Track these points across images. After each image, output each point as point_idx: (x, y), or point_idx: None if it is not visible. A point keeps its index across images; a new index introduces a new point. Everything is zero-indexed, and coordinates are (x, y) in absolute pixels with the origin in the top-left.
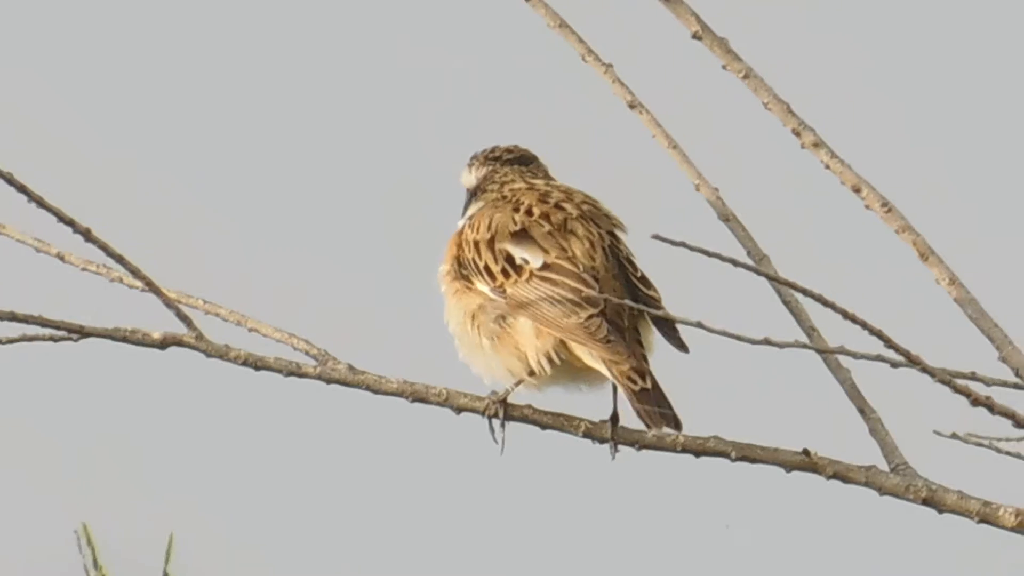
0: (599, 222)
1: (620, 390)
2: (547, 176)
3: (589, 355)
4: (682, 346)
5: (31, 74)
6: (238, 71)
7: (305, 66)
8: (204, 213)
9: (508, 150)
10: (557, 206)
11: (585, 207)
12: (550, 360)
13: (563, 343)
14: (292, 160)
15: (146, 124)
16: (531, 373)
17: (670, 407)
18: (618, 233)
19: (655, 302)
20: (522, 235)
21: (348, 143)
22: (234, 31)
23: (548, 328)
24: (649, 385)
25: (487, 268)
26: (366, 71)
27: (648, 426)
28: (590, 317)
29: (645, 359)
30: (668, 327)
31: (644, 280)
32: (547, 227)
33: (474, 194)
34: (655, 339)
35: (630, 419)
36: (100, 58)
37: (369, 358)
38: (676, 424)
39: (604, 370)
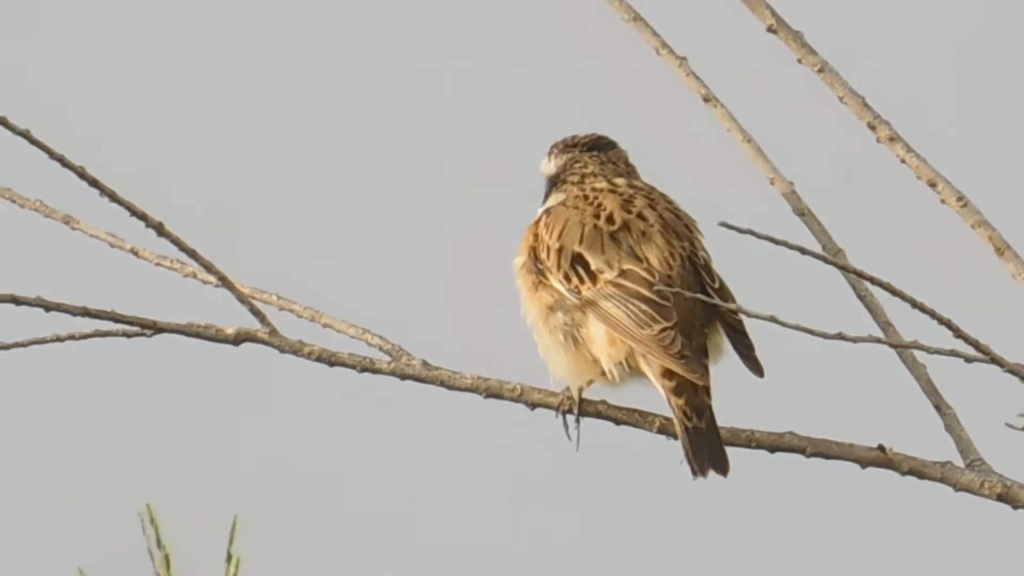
0: (679, 231)
1: (674, 421)
2: (628, 166)
3: (651, 375)
4: (758, 369)
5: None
6: (278, 74)
7: (338, 67)
8: (272, 211)
9: (587, 137)
10: (640, 216)
11: (668, 215)
12: (621, 369)
13: (634, 353)
14: (353, 162)
15: (172, 128)
16: (601, 374)
17: (721, 449)
18: (697, 242)
19: (740, 312)
20: (597, 245)
21: (413, 145)
22: (243, 34)
23: (622, 337)
24: (703, 424)
25: (562, 271)
26: (401, 71)
27: (693, 473)
28: (664, 330)
29: (708, 391)
30: (745, 349)
31: (721, 290)
32: (624, 237)
33: (554, 183)
34: (726, 349)
35: None
36: (119, 58)
37: (444, 354)
38: (723, 470)
39: (663, 395)
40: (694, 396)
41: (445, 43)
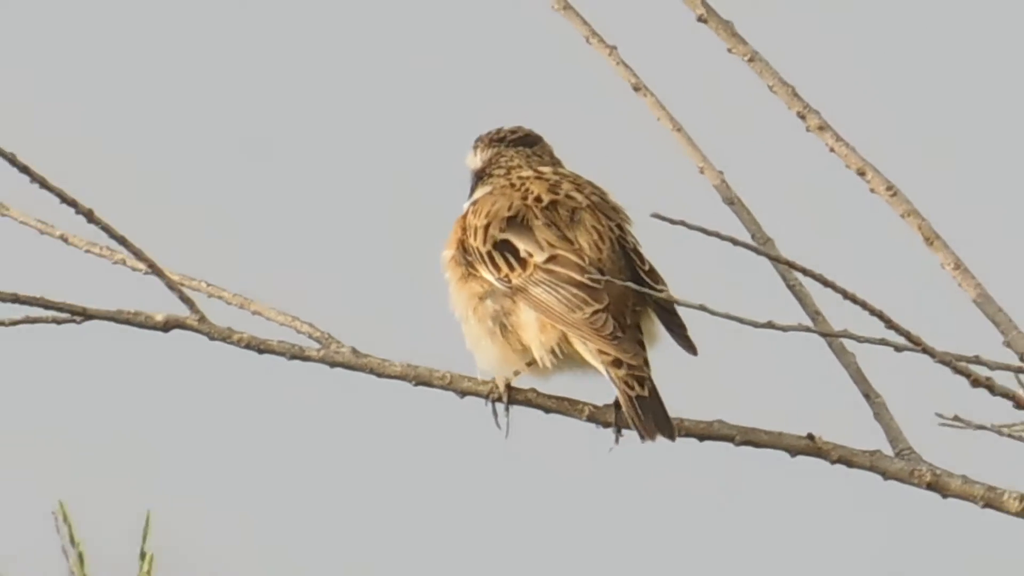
0: (607, 214)
1: (616, 394)
2: (553, 159)
3: (588, 353)
4: (691, 347)
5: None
6: (234, 64)
7: (299, 57)
8: (206, 197)
9: (512, 131)
10: (567, 196)
11: (594, 198)
12: (554, 354)
13: (566, 338)
14: (293, 146)
15: (146, 119)
16: (530, 364)
17: (666, 416)
18: (626, 226)
19: (670, 300)
20: (525, 225)
21: (348, 130)
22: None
23: (554, 322)
24: (647, 392)
25: (491, 258)
26: (357, 62)
27: (641, 437)
28: (596, 312)
29: (647, 363)
30: (677, 328)
31: (652, 273)
32: (553, 217)
33: (480, 177)
34: (659, 332)
35: None
36: (100, 56)
37: (373, 342)
38: (669, 435)
39: (602, 371)
40: (633, 367)
41: (438, 32)
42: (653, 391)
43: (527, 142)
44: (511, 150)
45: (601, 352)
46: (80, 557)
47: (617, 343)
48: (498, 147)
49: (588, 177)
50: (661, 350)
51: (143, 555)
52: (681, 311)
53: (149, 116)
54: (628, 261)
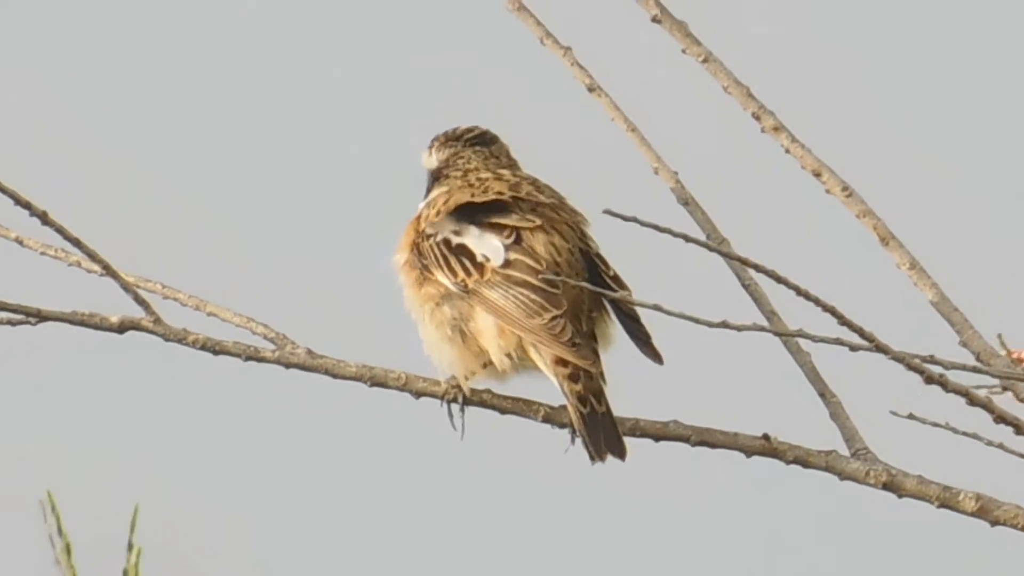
0: (567, 216)
1: (568, 409)
2: (511, 160)
3: (542, 363)
4: (657, 357)
5: None
6: (208, 65)
7: (260, 60)
8: (165, 198)
9: (469, 130)
10: (528, 195)
11: (553, 201)
12: (511, 359)
13: (522, 344)
14: (249, 148)
15: (112, 118)
16: (486, 365)
17: (617, 435)
18: (585, 229)
19: (625, 300)
20: (482, 220)
21: (296, 134)
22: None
23: (511, 327)
24: (601, 410)
25: (447, 262)
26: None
27: (591, 457)
28: (554, 318)
29: (602, 374)
30: (642, 336)
31: (616, 279)
32: (511, 216)
33: (436, 178)
34: (615, 335)
35: None
36: (59, 57)
37: (330, 343)
38: (620, 454)
39: (555, 383)
40: (589, 382)
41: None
42: (607, 408)
43: (483, 141)
44: (468, 150)
45: (557, 363)
46: (67, 548)
47: (576, 349)
48: (455, 147)
49: (545, 181)
50: (617, 351)
51: (130, 547)
52: (645, 318)
53: (115, 115)
54: (590, 265)
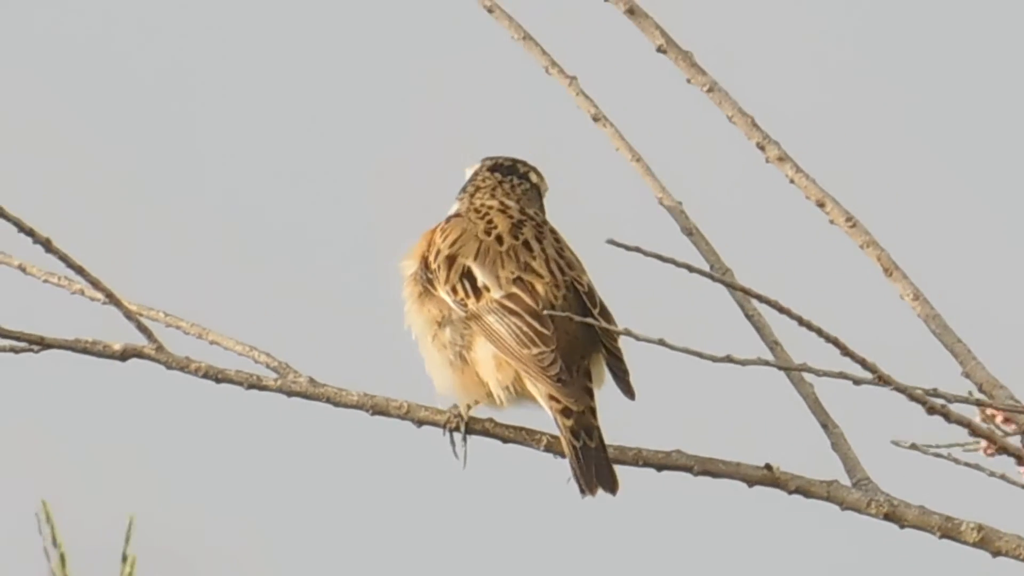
0: (562, 267)
1: (562, 441)
2: (527, 196)
3: (538, 395)
4: (630, 392)
5: None
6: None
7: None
8: (167, 225)
9: (506, 158)
10: (526, 244)
11: (551, 250)
12: (509, 393)
13: (520, 377)
14: (253, 172)
15: (113, 140)
16: (487, 395)
17: (609, 469)
18: (581, 276)
19: (611, 337)
20: (488, 261)
21: (309, 153)
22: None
23: (505, 355)
24: (593, 444)
25: (450, 283)
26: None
27: (581, 491)
28: (542, 353)
29: (593, 411)
30: (621, 373)
31: (603, 313)
32: (513, 262)
33: (463, 188)
34: (605, 375)
35: None
36: (58, 68)
37: (331, 371)
38: (611, 489)
39: (550, 416)
40: (581, 416)
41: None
42: (599, 442)
43: (505, 170)
44: (486, 172)
45: (551, 397)
46: (62, 558)
47: (561, 385)
48: (482, 164)
49: (553, 225)
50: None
51: (125, 558)
52: (637, 348)
53: (115, 116)
54: (582, 307)
